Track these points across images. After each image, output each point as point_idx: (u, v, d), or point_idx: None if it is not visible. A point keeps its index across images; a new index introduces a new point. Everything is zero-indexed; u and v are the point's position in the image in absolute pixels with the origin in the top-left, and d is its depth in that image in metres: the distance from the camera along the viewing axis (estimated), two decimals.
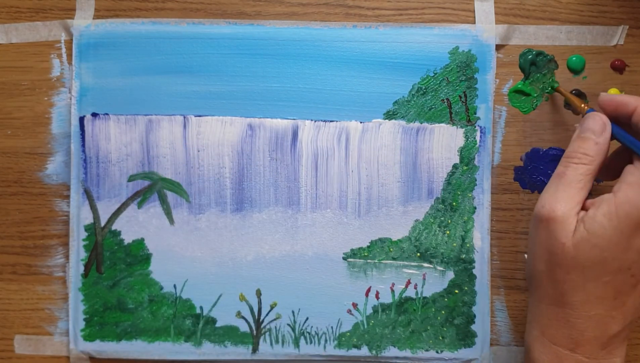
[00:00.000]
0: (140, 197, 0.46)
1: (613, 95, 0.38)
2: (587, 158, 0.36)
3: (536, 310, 0.37)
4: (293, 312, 0.46)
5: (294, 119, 0.46)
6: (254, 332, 0.46)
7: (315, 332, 0.46)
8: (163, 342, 0.46)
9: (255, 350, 0.46)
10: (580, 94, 0.46)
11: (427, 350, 0.46)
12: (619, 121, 0.37)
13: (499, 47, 0.46)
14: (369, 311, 0.46)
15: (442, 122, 0.46)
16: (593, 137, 0.37)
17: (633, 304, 0.35)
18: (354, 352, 0.46)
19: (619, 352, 0.36)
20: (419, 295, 0.46)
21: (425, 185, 0.46)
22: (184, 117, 0.46)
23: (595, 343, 0.35)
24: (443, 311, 0.46)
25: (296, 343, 0.46)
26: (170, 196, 0.46)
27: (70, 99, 0.46)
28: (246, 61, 0.46)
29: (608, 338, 0.35)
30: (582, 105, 0.40)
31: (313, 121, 0.46)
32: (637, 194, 0.34)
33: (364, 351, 0.46)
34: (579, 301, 0.35)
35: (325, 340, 0.46)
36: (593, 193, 0.46)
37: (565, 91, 0.42)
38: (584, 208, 0.36)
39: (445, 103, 0.46)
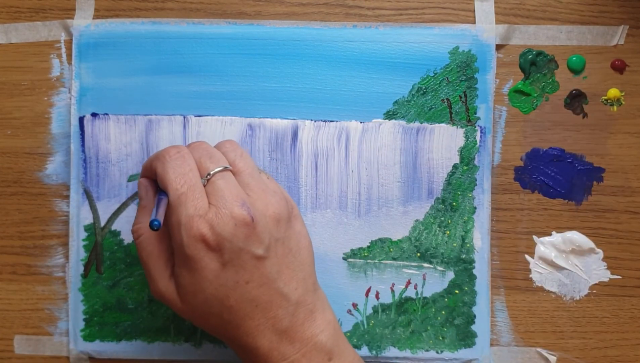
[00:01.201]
0: None
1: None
2: (141, 226, 0.39)
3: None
4: None
5: (294, 119, 0.46)
6: None
7: None
8: (163, 342, 0.46)
9: None
10: (579, 94, 0.46)
11: (427, 350, 0.46)
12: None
13: (499, 47, 0.46)
14: (369, 311, 0.46)
15: (442, 122, 0.46)
16: (140, 204, 0.40)
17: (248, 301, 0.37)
18: None
19: (306, 328, 0.37)
20: (419, 295, 0.46)
21: (425, 185, 0.46)
22: (184, 117, 0.46)
23: (277, 345, 0.37)
24: (443, 312, 0.46)
25: None
26: None
27: (70, 99, 0.46)
28: (246, 61, 0.46)
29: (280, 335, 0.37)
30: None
31: (313, 121, 0.46)
32: (183, 235, 0.36)
33: (364, 351, 0.46)
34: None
35: None
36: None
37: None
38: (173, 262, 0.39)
39: (445, 103, 0.46)
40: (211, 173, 0.37)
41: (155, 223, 0.34)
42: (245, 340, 0.37)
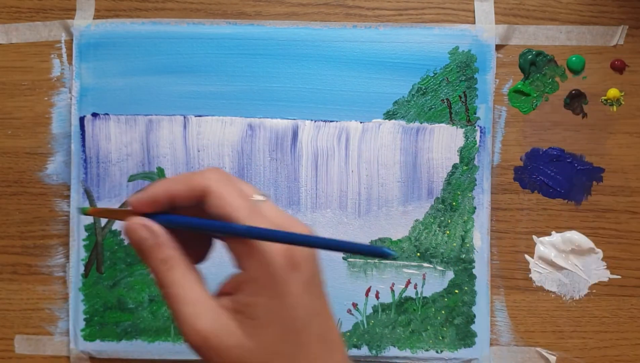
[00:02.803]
0: None
1: (142, 194, 0.31)
2: (167, 264, 0.30)
3: None
4: None
5: (294, 119, 0.46)
6: None
7: None
8: (163, 341, 0.46)
9: None
10: (579, 94, 0.46)
11: (427, 350, 0.46)
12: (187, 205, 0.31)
13: (498, 47, 0.46)
14: (369, 311, 0.46)
15: (442, 122, 0.46)
16: (150, 243, 0.30)
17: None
18: (354, 352, 0.46)
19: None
20: (419, 295, 0.46)
21: (425, 185, 0.46)
22: (184, 117, 0.46)
23: None
24: (443, 311, 0.46)
25: None
26: None
27: (71, 99, 0.46)
28: (246, 61, 0.46)
29: None
30: (121, 209, 0.32)
31: (313, 121, 0.46)
32: (267, 253, 0.29)
33: (364, 351, 0.46)
34: None
35: None
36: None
37: (96, 209, 0.31)
38: (223, 293, 0.31)
39: (445, 103, 0.46)
40: (257, 197, 0.31)
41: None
42: None
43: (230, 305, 0.30)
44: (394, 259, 0.31)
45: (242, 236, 0.29)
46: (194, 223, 0.30)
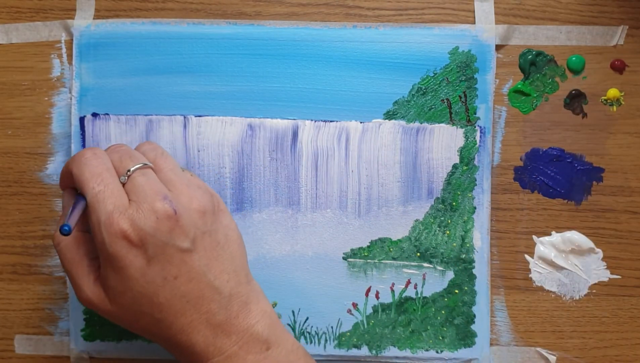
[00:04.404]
0: None
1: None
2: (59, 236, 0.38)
3: None
4: (293, 312, 0.46)
5: (294, 119, 0.46)
6: None
7: (315, 331, 0.46)
8: None
9: None
10: (579, 95, 0.46)
11: (427, 350, 0.46)
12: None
13: (498, 47, 0.46)
14: (369, 311, 0.46)
15: (442, 122, 0.46)
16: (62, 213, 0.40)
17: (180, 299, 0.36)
18: (354, 352, 0.46)
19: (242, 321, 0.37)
20: (419, 295, 0.46)
21: (425, 185, 0.46)
22: (184, 117, 0.46)
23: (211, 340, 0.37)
24: (443, 311, 0.46)
25: None
26: None
27: (71, 99, 0.46)
28: (246, 61, 0.46)
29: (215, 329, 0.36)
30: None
31: (313, 121, 0.46)
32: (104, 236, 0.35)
33: (364, 351, 0.46)
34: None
35: (325, 340, 0.46)
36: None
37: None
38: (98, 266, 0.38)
39: (445, 103, 0.46)
40: (131, 169, 0.37)
41: (65, 228, 0.34)
42: (179, 338, 0.36)
43: (100, 278, 0.37)
44: None
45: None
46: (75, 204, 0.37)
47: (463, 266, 0.46)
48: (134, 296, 0.35)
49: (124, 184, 0.37)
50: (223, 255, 0.38)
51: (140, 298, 0.35)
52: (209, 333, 0.36)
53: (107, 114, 0.46)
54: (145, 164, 0.37)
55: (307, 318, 0.46)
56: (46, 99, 0.47)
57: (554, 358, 0.46)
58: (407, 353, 0.46)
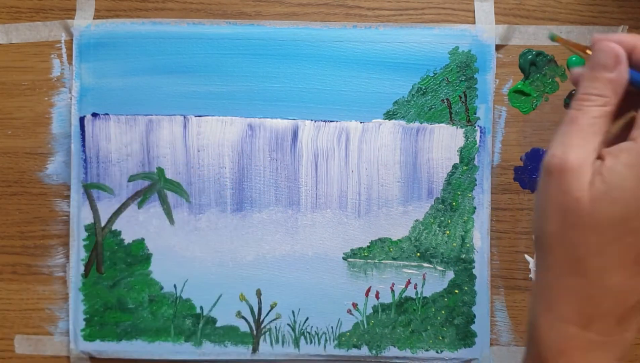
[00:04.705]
0: (140, 197, 0.46)
1: (605, 36, 0.32)
2: (601, 99, 0.30)
3: (543, 281, 0.31)
4: (293, 312, 0.46)
5: (294, 119, 0.46)
6: (254, 332, 0.46)
7: (315, 331, 0.46)
8: (163, 342, 0.46)
9: (255, 350, 0.46)
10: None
11: (427, 350, 0.46)
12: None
13: (498, 47, 0.46)
14: (369, 311, 0.46)
15: (442, 122, 0.46)
16: (605, 73, 0.30)
17: None
18: (354, 352, 0.46)
19: (632, 325, 0.30)
20: (419, 295, 0.46)
21: (425, 185, 0.46)
22: (184, 117, 0.46)
23: (611, 318, 0.30)
24: (443, 311, 0.46)
25: (296, 343, 0.46)
26: (171, 196, 0.46)
27: (71, 99, 0.46)
28: (246, 61, 0.46)
29: (625, 311, 0.30)
30: (587, 50, 0.33)
31: (313, 121, 0.46)
32: None
33: (364, 351, 0.46)
34: (596, 269, 0.29)
35: (325, 340, 0.46)
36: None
37: (565, 39, 0.34)
38: (599, 157, 0.30)
39: (445, 103, 0.46)
40: None
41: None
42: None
43: (602, 165, 0.29)
44: None
45: None
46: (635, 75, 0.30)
47: (463, 266, 0.46)
48: (628, 213, 0.29)
49: None
50: None
51: (622, 221, 0.29)
52: (610, 317, 0.30)
53: (107, 114, 0.46)
54: None
55: (307, 318, 0.46)
56: (46, 99, 0.47)
57: None
58: (407, 353, 0.46)
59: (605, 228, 0.29)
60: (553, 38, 0.32)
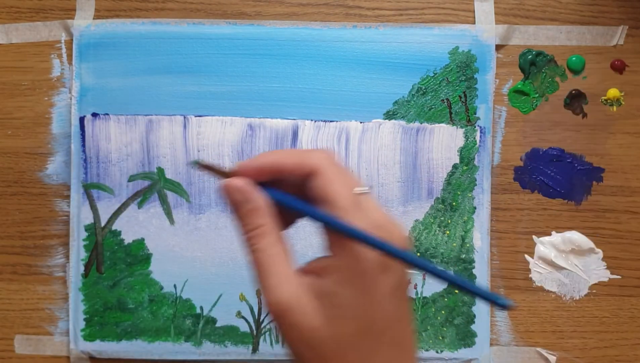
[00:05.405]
0: (140, 197, 0.46)
1: (251, 161, 0.31)
2: (261, 228, 0.30)
3: None
4: None
5: (294, 119, 0.46)
6: (254, 332, 0.46)
7: None
8: (163, 341, 0.46)
9: (255, 349, 0.46)
10: (579, 95, 0.46)
11: (427, 350, 0.46)
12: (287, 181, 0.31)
13: (498, 47, 0.46)
14: None
15: (442, 122, 0.46)
16: (246, 206, 0.30)
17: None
18: None
19: None
20: (419, 295, 0.46)
21: (425, 185, 0.46)
22: (184, 117, 0.46)
23: None
24: (443, 311, 0.46)
25: None
26: (171, 196, 0.46)
27: (71, 99, 0.46)
28: (246, 61, 0.46)
29: None
30: (227, 171, 0.31)
31: (313, 121, 0.46)
32: (361, 248, 0.29)
33: None
34: None
35: None
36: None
37: (207, 164, 0.31)
38: (308, 271, 0.30)
39: (445, 103, 0.46)
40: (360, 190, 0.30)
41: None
42: None
43: (314, 286, 0.29)
44: (508, 309, 0.29)
45: (342, 233, 0.29)
46: (297, 205, 0.30)
47: (463, 266, 0.46)
48: (362, 327, 0.29)
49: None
50: None
51: (369, 331, 0.29)
52: None
53: (107, 114, 0.46)
54: (366, 187, 0.30)
55: None
56: (46, 99, 0.47)
57: (554, 358, 0.46)
58: None
59: (351, 345, 0.29)
60: (195, 164, 0.31)
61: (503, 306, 0.26)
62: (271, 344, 0.46)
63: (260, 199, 0.30)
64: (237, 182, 0.30)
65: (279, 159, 0.30)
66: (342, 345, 0.29)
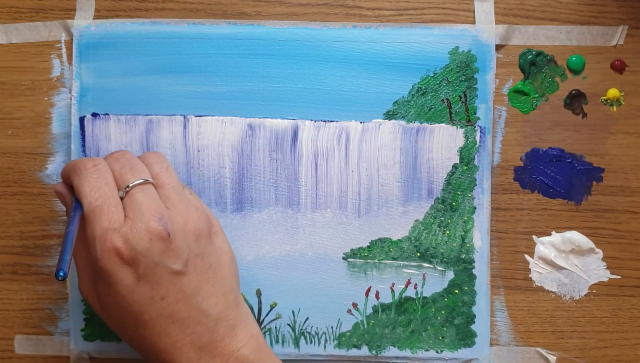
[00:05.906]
0: None
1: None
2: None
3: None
4: (293, 312, 0.46)
5: (294, 119, 0.46)
6: None
7: (315, 331, 0.46)
8: None
9: None
10: (579, 94, 0.46)
11: (427, 350, 0.46)
12: None
13: (498, 47, 0.46)
14: (369, 311, 0.46)
15: (442, 122, 0.46)
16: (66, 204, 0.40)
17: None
18: (354, 352, 0.46)
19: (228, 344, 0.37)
20: (419, 295, 0.46)
21: (425, 185, 0.46)
22: (184, 118, 0.46)
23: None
24: (443, 311, 0.46)
25: (296, 343, 0.46)
26: None
27: (71, 99, 0.47)
28: (246, 61, 0.46)
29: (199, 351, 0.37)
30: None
31: (313, 121, 0.46)
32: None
33: (364, 351, 0.46)
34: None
35: (325, 340, 0.46)
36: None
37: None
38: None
39: (445, 103, 0.46)
40: (130, 185, 0.37)
41: (61, 274, 0.34)
42: (162, 357, 0.36)
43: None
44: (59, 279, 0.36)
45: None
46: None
47: (463, 266, 0.46)
48: (120, 311, 0.36)
49: (122, 198, 0.37)
50: (214, 278, 0.38)
51: (126, 313, 0.36)
52: (192, 354, 0.36)
53: (107, 114, 0.46)
54: (147, 180, 0.37)
55: (307, 318, 0.46)
56: (46, 99, 0.47)
57: (554, 358, 0.46)
58: (407, 353, 0.46)
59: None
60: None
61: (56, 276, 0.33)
62: (271, 344, 0.46)
63: (67, 200, 0.39)
64: (60, 187, 0.39)
65: (64, 169, 0.39)
66: (116, 324, 0.38)
